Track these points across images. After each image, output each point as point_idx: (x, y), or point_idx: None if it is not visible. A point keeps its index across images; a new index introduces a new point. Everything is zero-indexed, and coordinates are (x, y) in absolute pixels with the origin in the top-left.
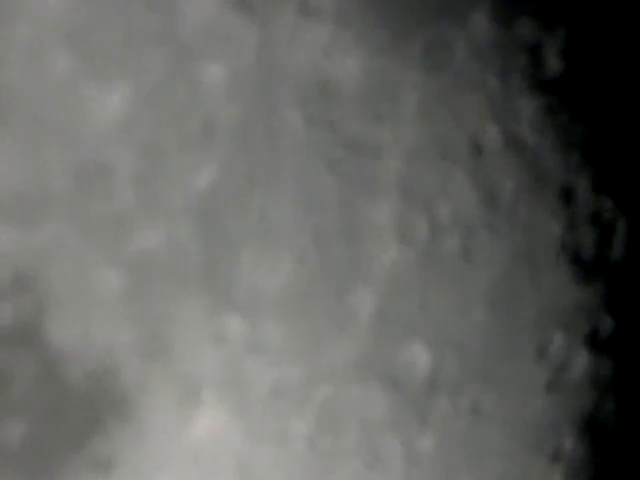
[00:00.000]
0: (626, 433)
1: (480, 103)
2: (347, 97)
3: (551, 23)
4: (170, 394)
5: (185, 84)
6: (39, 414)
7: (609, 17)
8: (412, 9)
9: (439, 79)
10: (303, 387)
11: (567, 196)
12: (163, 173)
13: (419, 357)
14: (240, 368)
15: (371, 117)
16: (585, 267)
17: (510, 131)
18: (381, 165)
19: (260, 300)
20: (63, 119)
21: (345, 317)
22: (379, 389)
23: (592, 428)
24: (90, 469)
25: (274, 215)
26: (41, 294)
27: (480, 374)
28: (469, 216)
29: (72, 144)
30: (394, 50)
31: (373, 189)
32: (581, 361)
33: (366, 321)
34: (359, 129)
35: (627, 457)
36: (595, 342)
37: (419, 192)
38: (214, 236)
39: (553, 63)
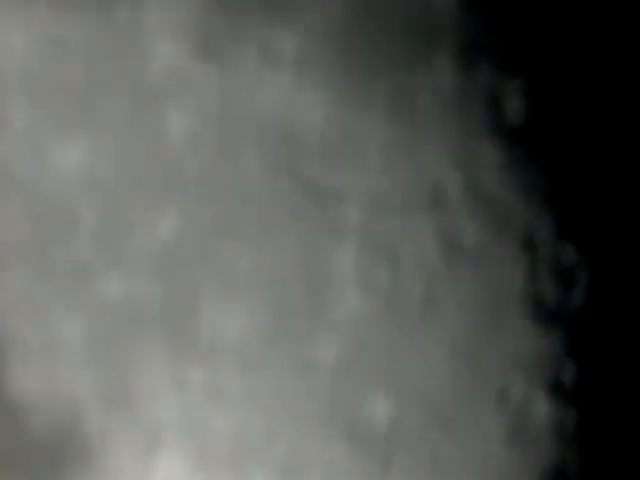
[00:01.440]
0: None
1: (442, 150)
2: (309, 144)
3: (513, 71)
4: (132, 442)
5: (147, 133)
6: (1, 463)
7: (571, 65)
8: (375, 55)
9: (401, 126)
10: (264, 437)
11: (529, 243)
12: (124, 222)
13: (381, 406)
14: (201, 417)
15: (333, 164)
16: (547, 314)
17: (472, 178)
18: (343, 212)
19: (220, 348)
20: (24, 170)
21: (306, 366)
22: (341, 439)
23: (556, 479)
24: None
25: (235, 263)
26: (2, 343)
27: (441, 423)
28: (431, 264)
29: (33, 194)
30: (356, 96)
31: (335, 237)
32: (543, 409)
33: (327, 370)
34: (321, 176)
35: None
36: (557, 390)
37: (381, 240)
38: (175, 285)
39: (515, 110)
